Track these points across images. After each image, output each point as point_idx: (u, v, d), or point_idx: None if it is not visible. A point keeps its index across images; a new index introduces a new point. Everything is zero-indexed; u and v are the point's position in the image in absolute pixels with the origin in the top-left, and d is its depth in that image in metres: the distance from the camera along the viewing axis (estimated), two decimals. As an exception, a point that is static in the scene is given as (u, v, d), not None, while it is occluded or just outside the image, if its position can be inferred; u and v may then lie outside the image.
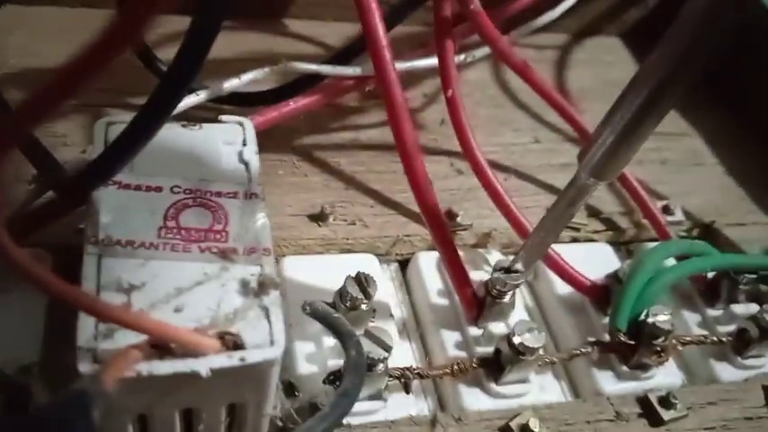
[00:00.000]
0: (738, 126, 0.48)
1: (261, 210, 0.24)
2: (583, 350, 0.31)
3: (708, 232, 0.41)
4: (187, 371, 0.19)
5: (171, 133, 0.25)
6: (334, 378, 0.26)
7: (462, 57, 0.40)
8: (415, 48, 0.39)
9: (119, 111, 0.37)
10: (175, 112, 0.29)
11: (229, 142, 0.26)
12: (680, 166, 0.45)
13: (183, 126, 0.26)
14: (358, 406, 0.27)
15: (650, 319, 0.30)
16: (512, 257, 0.30)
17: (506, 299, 0.31)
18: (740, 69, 0.49)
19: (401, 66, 0.38)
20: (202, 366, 0.19)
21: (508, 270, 0.29)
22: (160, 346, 0.19)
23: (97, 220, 0.22)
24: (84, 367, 0.18)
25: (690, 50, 0.22)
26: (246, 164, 0.25)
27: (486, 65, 0.47)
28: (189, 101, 0.31)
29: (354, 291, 0.28)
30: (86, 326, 0.19)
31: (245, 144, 0.26)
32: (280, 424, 0.24)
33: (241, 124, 0.26)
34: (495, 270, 0.30)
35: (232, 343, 0.20)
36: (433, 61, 0.36)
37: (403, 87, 0.29)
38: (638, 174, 0.42)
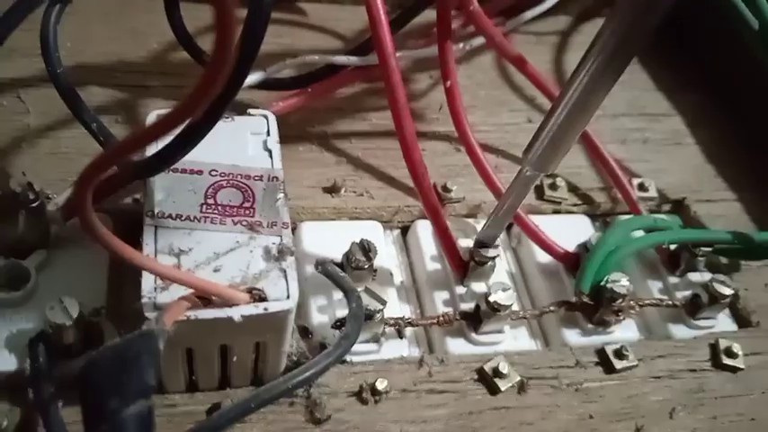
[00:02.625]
0: (718, 108, 0.52)
1: (281, 190, 0.29)
2: (552, 308, 0.37)
3: (678, 208, 0.45)
4: (224, 317, 0.25)
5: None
6: (340, 324, 0.32)
7: (461, 45, 0.45)
8: (419, 37, 0.44)
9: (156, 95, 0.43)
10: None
11: (256, 132, 0.31)
12: (660, 145, 0.49)
13: (225, 119, 0.31)
14: (359, 347, 0.33)
15: (609, 285, 0.36)
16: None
17: (487, 265, 0.36)
18: (723, 53, 0.53)
19: (406, 54, 0.43)
20: (236, 313, 0.25)
21: (481, 245, 0.35)
22: (204, 298, 0.25)
23: (152, 198, 0.28)
24: (148, 312, 0.25)
25: (628, 31, 0.25)
26: (270, 151, 0.31)
27: (486, 48, 0.51)
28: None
29: (358, 254, 0.34)
30: (148, 281, 0.25)
31: (268, 134, 0.31)
32: (295, 359, 0.31)
33: (266, 117, 0.32)
34: (474, 245, 0.35)
35: (258, 296, 0.26)
36: (434, 50, 0.41)
37: (410, 71, 0.33)
38: (620, 152, 0.47)
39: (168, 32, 0.40)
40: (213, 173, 0.29)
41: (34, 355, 0.28)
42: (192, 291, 0.25)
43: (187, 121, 0.21)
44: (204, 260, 0.26)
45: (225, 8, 0.16)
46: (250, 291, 0.26)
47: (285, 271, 0.27)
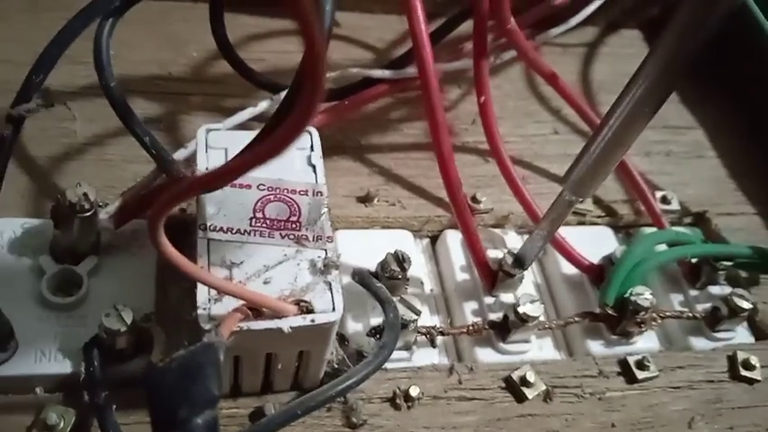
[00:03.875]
0: (740, 122, 0.53)
1: (325, 205, 0.31)
2: (576, 319, 0.38)
3: (700, 220, 0.47)
4: (274, 328, 0.27)
5: (256, 139, 0.32)
6: (374, 332, 0.34)
7: (492, 59, 0.46)
8: (450, 50, 0.46)
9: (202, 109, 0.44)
10: (239, 120, 0.37)
11: (300, 148, 0.33)
12: (682, 158, 0.50)
13: (265, 133, 0.33)
14: (393, 354, 0.34)
15: (633, 297, 0.37)
16: (525, 236, 0.37)
17: (516, 276, 0.37)
18: (745, 67, 0.54)
19: (439, 67, 0.44)
20: (285, 325, 0.27)
21: (517, 264, 0.36)
22: (255, 309, 0.27)
23: (204, 212, 0.29)
24: (204, 323, 0.26)
25: (674, 56, 0.27)
26: (314, 167, 0.32)
27: (515, 61, 0.52)
28: (257, 110, 0.37)
29: (393, 265, 0.35)
30: (203, 293, 0.27)
31: (312, 149, 0.33)
32: (336, 366, 0.32)
33: (309, 132, 0.33)
34: (508, 261, 0.37)
35: (305, 308, 0.27)
36: (466, 63, 0.43)
37: (440, 82, 0.34)
38: (644, 164, 0.48)
39: (207, 41, 0.41)
40: (261, 187, 0.30)
41: (89, 359, 0.29)
42: (243, 302, 0.27)
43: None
44: (254, 273, 0.28)
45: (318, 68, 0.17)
46: (298, 303, 0.27)
47: (330, 284, 0.28)
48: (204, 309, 0.26)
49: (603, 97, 0.53)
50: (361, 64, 0.47)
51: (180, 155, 0.34)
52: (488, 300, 0.38)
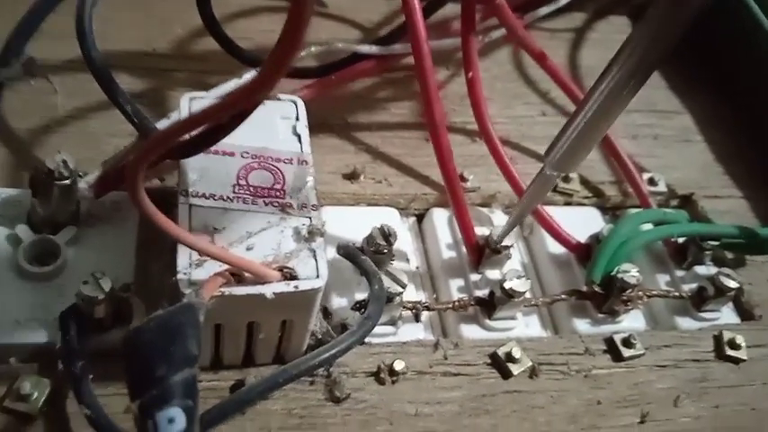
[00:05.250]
0: (727, 107, 0.53)
1: (310, 174, 0.30)
2: (563, 296, 0.38)
3: (686, 203, 0.46)
4: (256, 293, 0.26)
5: (240, 108, 0.32)
6: (359, 306, 0.33)
7: (480, 38, 0.45)
8: (437, 28, 0.45)
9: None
10: (223, 91, 0.36)
11: (285, 117, 0.32)
12: (670, 141, 0.50)
13: (249, 102, 0.32)
14: (377, 329, 0.33)
15: (619, 275, 0.37)
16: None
17: (503, 253, 0.37)
18: (734, 55, 0.54)
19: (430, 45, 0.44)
20: (268, 291, 0.26)
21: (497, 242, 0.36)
22: (237, 275, 0.26)
23: (186, 178, 0.29)
24: (184, 288, 0.25)
25: (659, 33, 0.26)
26: (299, 136, 0.31)
27: (503, 42, 0.52)
28: (242, 81, 0.37)
29: (379, 239, 0.35)
30: (184, 258, 0.26)
31: (297, 119, 0.32)
32: (319, 337, 0.32)
33: (294, 102, 0.33)
34: (491, 237, 0.37)
35: (289, 275, 0.27)
36: (455, 42, 0.42)
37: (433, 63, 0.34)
38: (631, 147, 0.48)
39: (192, 19, 0.41)
40: (245, 155, 0.30)
41: (65, 328, 0.29)
42: (225, 268, 0.26)
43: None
44: (237, 239, 0.27)
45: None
46: (281, 269, 0.27)
47: (315, 251, 0.28)
48: (185, 273, 0.26)
49: (591, 82, 0.52)
50: (349, 42, 0.47)
51: (162, 124, 0.33)
52: (474, 277, 0.38)
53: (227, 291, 0.26)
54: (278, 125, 0.32)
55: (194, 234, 0.27)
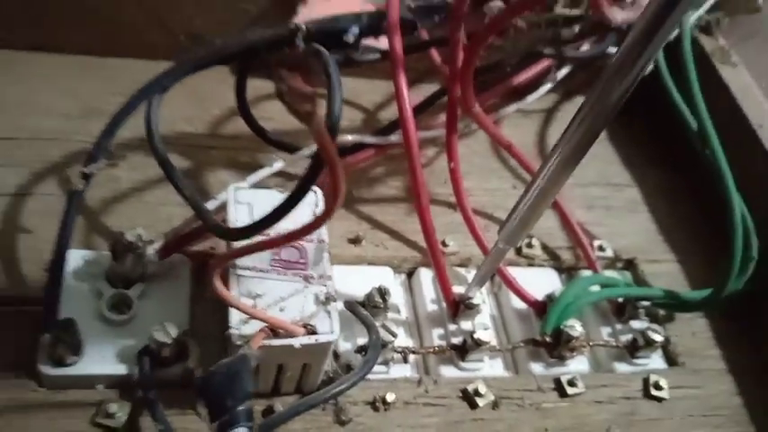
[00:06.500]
0: (671, 179, 0.63)
1: (326, 251, 0.40)
2: (522, 344, 0.48)
3: (630, 266, 0.56)
4: (288, 344, 0.36)
5: (273, 196, 0.41)
6: (361, 349, 0.43)
7: (461, 126, 0.55)
8: (429, 120, 0.55)
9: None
10: (258, 178, 0.45)
11: (308, 203, 0.42)
12: (619, 211, 0.60)
13: (280, 191, 0.42)
14: (374, 368, 0.43)
15: (566, 329, 0.46)
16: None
17: (474, 309, 0.47)
18: (674, 129, 0.63)
19: (420, 134, 0.54)
20: (296, 342, 0.36)
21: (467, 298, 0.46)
22: (274, 330, 0.36)
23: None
24: (236, 341, 0.35)
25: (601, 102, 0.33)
26: (319, 219, 0.41)
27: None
28: (272, 169, 0.47)
29: (377, 297, 0.44)
30: (234, 316, 0.36)
31: (317, 206, 0.42)
32: (330, 376, 0.41)
33: (316, 192, 0.42)
34: (466, 295, 0.46)
35: (311, 330, 0.36)
36: (442, 132, 0.52)
37: (422, 143, 0.43)
38: (587, 216, 0.58)
39: (225, 100, 0.51)
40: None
41: (141, 363, 0.38)
42: (266, 325, 0.36)
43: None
44: (273, 302, 0.37)
45: (337, 176, 0.26)
46: (305, 326, 0.36)
47: (330, 312, 0.37)
48: (236, 329, 0.35)
49: (557, 157, 0.62)
50: (354, 125, 0.57)
51: (211, 205, 0.43)
52: (452, 326, 0.48)
53: (267, 343, 0.35)
54: (303, 210, 0.41)
55: (243, 298, 0.37)
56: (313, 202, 0.42)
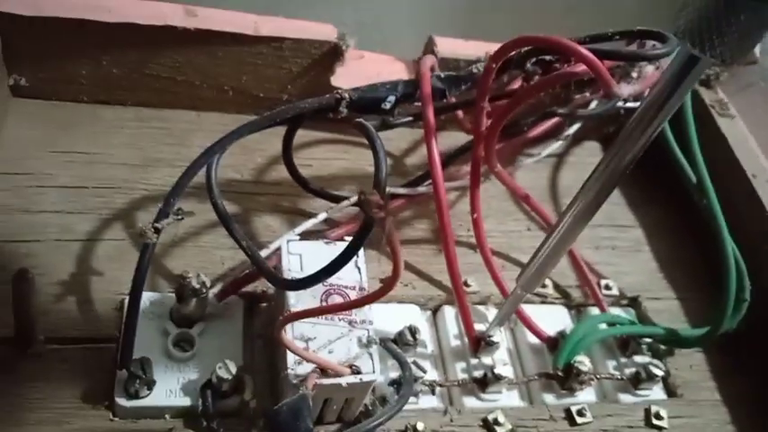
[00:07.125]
0: (674, 222, 0.69)
1: (368, 298, 0.45)
2: (536, 377, 0.53)
3: (633, 303, 0.62)
4: (336, 383, 0.41)
5: (320, 248, 0.47)
6: (394, 383, 0.48)
7: (482, 178, 0.61)
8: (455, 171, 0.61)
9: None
10: (302, 230, 0.51)
11: (350, 255, 0.47)
12: (624, 251, 0.65)
13: (326, 243, 0.47)
14: (405, 400, 0.49)
15: (576, 363, 0.52)
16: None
17: (493, 344, 0.52)
18: (675, 175, 0.69)
19: (446, 185, 0.59)
20: (343, 381, 0.41)
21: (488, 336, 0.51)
22: (324, 371, 0.41)
23: (288, 301, 0.44)
24: (293, 380, 0.40)
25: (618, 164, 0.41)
26: (359, 269, 0.47)
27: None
28: (318, 220, 0.52)
29: (408, 335, 0.50)
30: (290, 358, 0.41)
31: (357, 257, 0.47)
32: (368, 408, 0.46)
33: (356, 244, 0.48)
34: (486, 332, 0.52)
35: (356, 371, 0.42)
36: (466, 182, 0.58)
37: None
38: (594, 256, 0.63)
39: (269, 149, 0.57)
40: (325, 284, 0.45)
41: (204, 396, 0.44)
42: (316, 366, 0.41)
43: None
44: (322, 345, 0.42)
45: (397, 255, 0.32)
46: (350, 366, 0.42)
47: (372, 354, 0.43)
48: (292, 369, 0.41)
49: (568, 199, 0.67)
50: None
51: (264, 253, 0.48)
52: (474, 361, 0.53)
53: (319, 382, 0.41)
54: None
55: (296, 341, 0.42)
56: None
